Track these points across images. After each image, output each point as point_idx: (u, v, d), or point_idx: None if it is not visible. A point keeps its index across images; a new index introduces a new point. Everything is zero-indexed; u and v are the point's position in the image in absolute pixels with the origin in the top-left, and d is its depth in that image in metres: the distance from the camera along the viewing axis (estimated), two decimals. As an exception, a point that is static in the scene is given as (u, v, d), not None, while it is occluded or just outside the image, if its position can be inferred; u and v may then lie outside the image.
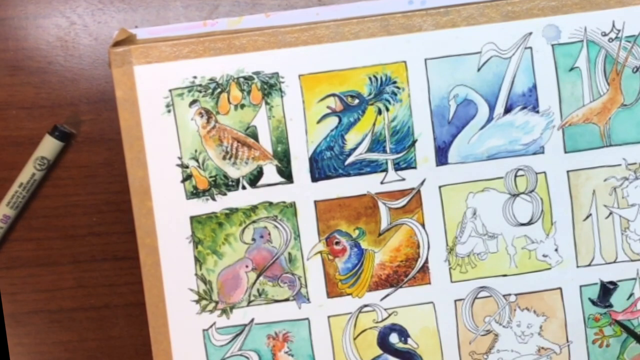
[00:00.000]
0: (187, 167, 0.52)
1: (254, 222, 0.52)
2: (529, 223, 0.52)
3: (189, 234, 0.52)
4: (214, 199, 0.52)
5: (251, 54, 0.51)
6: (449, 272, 0.53)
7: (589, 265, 0.53)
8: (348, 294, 0.53)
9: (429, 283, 0.53)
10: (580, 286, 0.53)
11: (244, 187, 0.52)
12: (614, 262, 0.53)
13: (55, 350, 0.55)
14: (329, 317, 0.53)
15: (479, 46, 0.51)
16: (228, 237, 0.52)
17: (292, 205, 0.52)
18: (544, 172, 0.52)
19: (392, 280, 0.53)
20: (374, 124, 0.52)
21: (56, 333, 0.55)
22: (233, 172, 0.52)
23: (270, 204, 0.52)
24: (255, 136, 0.52)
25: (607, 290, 0.53)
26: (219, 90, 0.51)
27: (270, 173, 0.52)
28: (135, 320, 0.55)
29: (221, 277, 0.52)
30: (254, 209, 0.52)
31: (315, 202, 0.52)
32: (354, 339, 0.53)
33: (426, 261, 0.52)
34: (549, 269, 0.53)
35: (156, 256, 0.52)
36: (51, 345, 0.55)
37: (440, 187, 0.52)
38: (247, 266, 0.52)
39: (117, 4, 0.53)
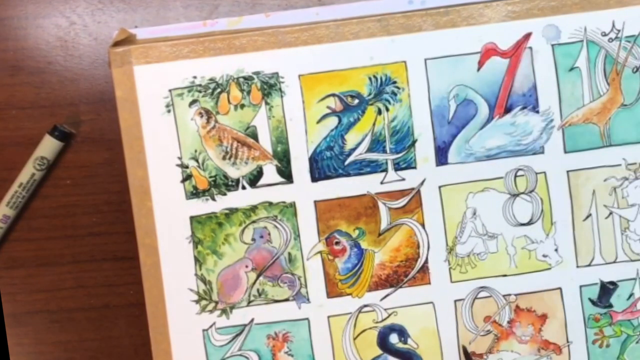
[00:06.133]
0: (187, 167, 0.52)
1: (253, 222, 0.52)
2: (529, 223, 0.52)
3: (189, 234, 0.52)
4: (213, 199, 0.52)
5: (251, 54, 0.51)
6: (448, 272, 0.53)
7: (589, 265, 0.53)
8: (348, 294, 0.53)
9: (429, 283, 0.53)
10: (580, 286, 0.53)
11: (243, 187, 0.52)
12: (614, 262, 0.53)
13: (55, 350, 0.55)
14: (328, 317, 0.53)
15: (479, 46, 0.51)
16: (228, 237, 0.52)
17: (292, 205, 0.52)
18: (544, 172, 0.52)
19: (392, 280, 0.53)
20: (374, 124, 0.52)
21: (56, 333, 0.55)
22: (233, 172, 0.52)
23: (270, 204, 0.52)
24: (255, 136, 0.52)
25: (607, 290, 0.53)
26: (218, 90, 0.51)
27: (270, 173, 0.52)
28: (135, 320, 0.55)
29: (221, 277, 0.52)
30: (253, 209, 0.52)
31: (315, 202, 0.52)
32: (354, 339, 0.53)
33: (426, 261, 0.52)
34: (549, 269, 0.53)
35: (156, 256, 0.52)
36: (51, 345, 0.55)
37: (440, 187, 0.52)
38: (247, 266, 0.52)
39: (117, 4, 0.53)
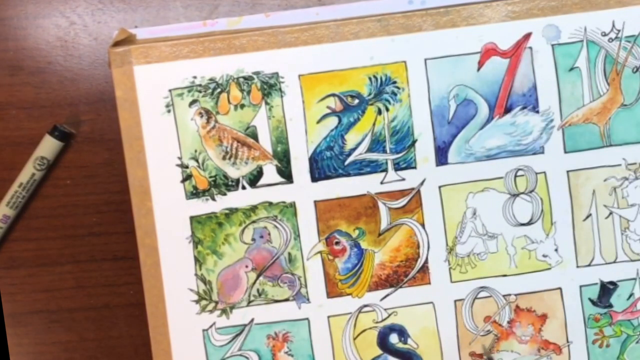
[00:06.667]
0: (187, 167, 0.52)
1: (253, 222, 0.52)
2: (529, 223, 0.52)
3: (189, 234, 0.52)
4: (213, 199, 0.52)
5: (251, 54, 0.51)
6: (448, 272, 0.53)
7: (589, 265, 0.53)
8: (348, 294, 0.53)
9: (429, 283, 0.53)
10: (580, 286, 0.53)
11: (243, 187, 0.52)
12: (614, 262, 0.53)
13: (55, 350, 0.55)
14: (328, 317, 0.53)
15: (479, 46, 0.51)
16: (228, 237, 0.52)
17: (292, 205, 0.52)
18: (544, 172, 0.52)
19: (392, 280, 0.53)
20: (374, 124, 0.52)
21: (56, 333, 0.55)
22: (233, 172, 0.52)
23: (270, 204, 0.52)
24: (255, 136, 0.52)
25: (607, 290, 0.53)
26: (218, 90, 0.51)
27: (270, 173, 0.52)
28: (135, 320, 0.55)
29: (221, 277, 0.52)
30: (253, 209, 0.52)
31: (315, 202, 0.52)
32: (354, 339, 0.53)
33: (426, 261, 0.52)
34: (549, 269, 0.53)
35: (156, 256, 0.52)
36: (51, 345, 0.55)
37: (440, 187, 0.52)
38: (247, 266, 0.52)
39: (117, 4, 0.53)
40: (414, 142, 0.52)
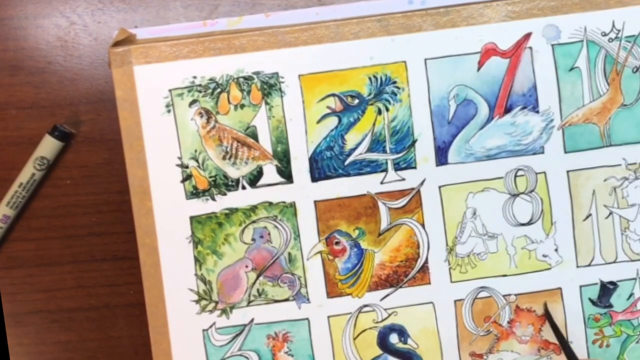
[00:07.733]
0: (187, 167, 0.52)
1: (253, 222, 0.52)
2: (529, 223, 0.52)
3: (189, 234, 0.52)
4: (213, 199, 0.52)
5: (251, 54, 0.51)
6: (448, 272, 0.53)
7: (589, 265, 0.53)
8: (348, 294, 0.53)
9: (429, 283, 0.53)
10: (580, 286, 0.53)
11: (243, 187, 0.52)
12: (614, 262, 0.53)
13: (55, 350, 0.55)
14: (328, 317, 0.53)
15: (479, 46, 0.51)
16: (228, 237, 0.52)
17: (292, 205, 0.52)
18: (544, 172, 0.52)
19: (392, 280, 0.53)
20: (374, 124, 0.52)
21: (56, 333, 0.55)
22: (233, 172, 0.52)
23: (270, 204, 0.52)
24: (255, 136, 0.52)
25: (607, 290, 0.53)
26: (218, 90, 0.51)
27: (270, 173, 0.52)
28: (135, 320, 0.55)
29: (221, 277, 0.52)
30: (253, 209, 0.52)
31: (315, 202, 0.52)
32: (354, 339, 0.53)
33: (426, 261, 0.52)
34: (549, 269, 0.53)
35: (156, 256, 0.52)
36: (51, 345, 0.55)
37: (440, 187, 0.52)
38: (247, 266, 0.52)
39: (117, 4, 0.53)
40: (414, 142, 0.52)
